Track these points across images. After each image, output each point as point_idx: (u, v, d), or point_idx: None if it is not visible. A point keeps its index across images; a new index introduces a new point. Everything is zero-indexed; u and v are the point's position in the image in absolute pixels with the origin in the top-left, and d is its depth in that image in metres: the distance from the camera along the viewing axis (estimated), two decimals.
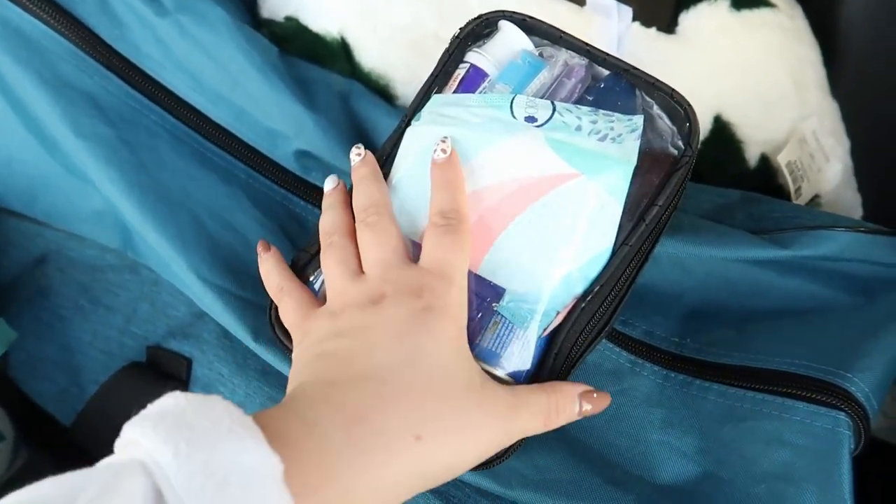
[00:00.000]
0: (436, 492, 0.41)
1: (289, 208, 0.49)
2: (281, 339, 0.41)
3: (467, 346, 0.36)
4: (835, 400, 0.40)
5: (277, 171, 0.49)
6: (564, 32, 0.42)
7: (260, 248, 0.42)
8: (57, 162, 0.49)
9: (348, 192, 0.41)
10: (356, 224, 0.39)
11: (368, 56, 0.51)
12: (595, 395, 0.38)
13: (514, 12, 0.43)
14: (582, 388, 0.38)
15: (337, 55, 0.52)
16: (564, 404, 0.37)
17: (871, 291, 0.45)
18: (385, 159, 0.42)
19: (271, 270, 0.41)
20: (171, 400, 0.29)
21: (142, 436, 0.27)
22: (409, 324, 0.34)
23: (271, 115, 0.49)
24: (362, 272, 0.37)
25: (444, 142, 0.39)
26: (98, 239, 0.50)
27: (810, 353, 0.42)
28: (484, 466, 0.37)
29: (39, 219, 0.51)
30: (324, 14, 0.51)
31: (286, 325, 0.40)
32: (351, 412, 0.31)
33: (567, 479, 0.41)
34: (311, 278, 0.41)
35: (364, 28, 0.51)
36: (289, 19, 0.52)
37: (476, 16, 0.43)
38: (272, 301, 0.41)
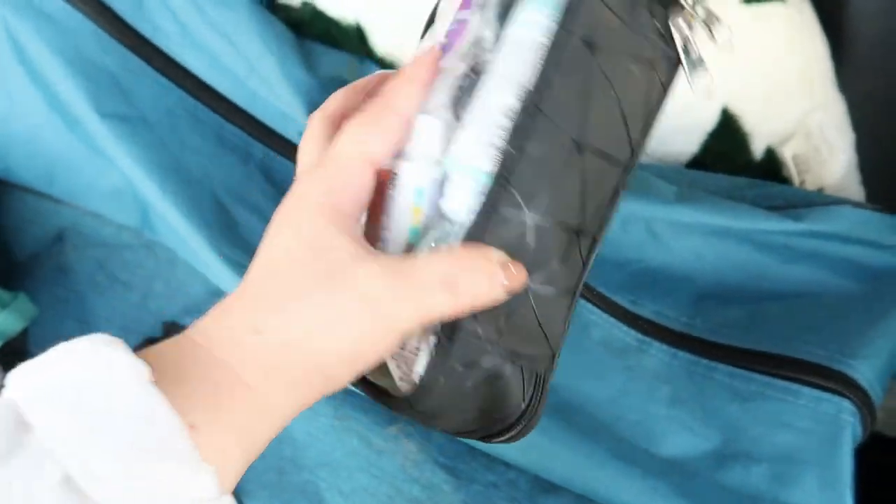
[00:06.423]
0: (443, 466, 0.42)
1: None
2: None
3: (339, 221, 0.29)
4: (839, 386, 0.41)
5: (293, 149, 0.50)
6: None
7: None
8: (79, 140, 0.49)
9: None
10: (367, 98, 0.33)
11: (383, 42, 0.52)
12: (512, 265, 0.30)
13: None
14: (501, 255, 0.30)
15: (352, 40, 0.53)
16: (477, 268, 0.29)
17: (877, 279, 0.46)
18: None
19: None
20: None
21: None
22: (288, 204, 0.31)
23: (285, 99, 0.49)
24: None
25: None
26: (116, 217, 0.51)
27: (816, 338, 0.43)
28: (497, 438, 0.33)
29: (57, 197, 0.52)
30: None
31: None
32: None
33: (574, 452, 0.41)
34: None
35: (380, 14, 0.51)
36: (305, 4, 0.53)
37: None
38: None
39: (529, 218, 0.30)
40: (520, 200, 0.30)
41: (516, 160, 0.30)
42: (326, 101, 0.34)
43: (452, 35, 0.33)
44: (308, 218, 0.30)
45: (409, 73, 0.32)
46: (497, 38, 0.32)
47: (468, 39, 0.32)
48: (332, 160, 0.31)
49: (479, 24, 0.32)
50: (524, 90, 0.30)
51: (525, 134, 0.30)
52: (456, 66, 0.32)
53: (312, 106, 0.48)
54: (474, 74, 0.32)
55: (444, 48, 0.33)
